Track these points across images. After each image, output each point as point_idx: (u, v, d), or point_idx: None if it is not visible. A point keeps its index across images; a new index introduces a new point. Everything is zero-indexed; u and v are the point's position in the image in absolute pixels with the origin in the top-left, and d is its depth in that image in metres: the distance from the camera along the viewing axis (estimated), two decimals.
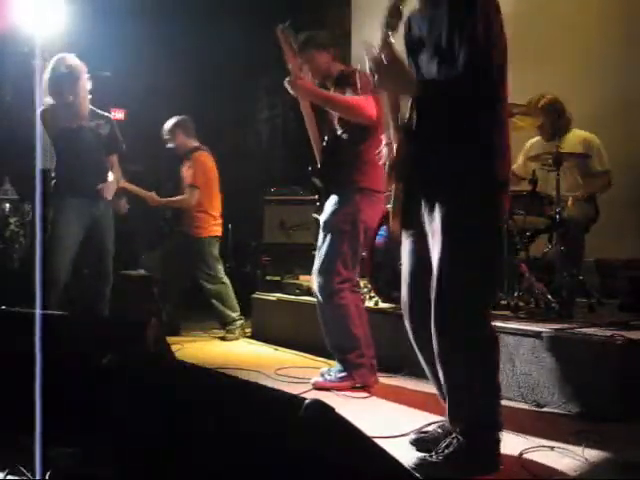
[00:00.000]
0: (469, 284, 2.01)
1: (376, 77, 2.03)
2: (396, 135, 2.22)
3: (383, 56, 1.99)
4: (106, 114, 4.07)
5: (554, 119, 4.13)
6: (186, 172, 4.94)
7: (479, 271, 2.02)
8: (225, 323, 4.93)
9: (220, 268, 5.00)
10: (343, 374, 3.21)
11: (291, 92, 3.22)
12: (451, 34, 1.99)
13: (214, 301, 4.92)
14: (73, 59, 3.88)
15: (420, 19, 2.18)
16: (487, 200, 2.03)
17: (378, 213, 3.39)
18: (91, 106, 3.97)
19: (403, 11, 2.05)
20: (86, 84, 3.88)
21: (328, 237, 3.24)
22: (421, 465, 2.02)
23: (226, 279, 5.00)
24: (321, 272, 3.24)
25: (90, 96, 3.93)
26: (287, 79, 3.20)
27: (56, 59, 3.87)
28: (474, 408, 2.06)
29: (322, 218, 3.33)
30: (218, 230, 5.05)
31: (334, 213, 3.25)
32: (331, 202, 3.30)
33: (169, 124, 4.99)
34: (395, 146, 2.22)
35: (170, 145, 5.00)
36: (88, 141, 3.88)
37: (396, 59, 2.00)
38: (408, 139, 2.14)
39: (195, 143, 5.06)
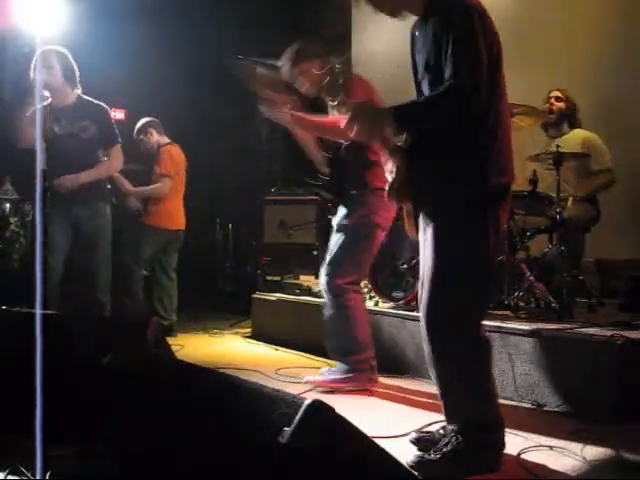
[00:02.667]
0: (455, 290, 2.04)
1: (353, 130, 2.08)
2: (392, 158, 2.20)
3: (347, 110, 2.08)
4: (100, 104, 3.89)
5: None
6: (156, 165, 4.96)
7: (465, 279, 2.03)
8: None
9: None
10: (344, 375, 3.20)
11: (280, 123, 3.18)
12: (437, 50, 2.01)
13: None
14: (51, 53, 3.72)
15: (418, 34, 2.18)
16: (473, 210, 2.03)
17: (392, 213, 3.32)
18: (84, 96, 3.87)
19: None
20: (48, 77, 3.69)
21: (340, 238, 3.23)
22: (419, 463, 2.03)
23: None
24: (329, 273, 3.23)
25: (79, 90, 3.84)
26: (268, 111, 3.14)
27: (42, 52, 3.69)
28: (468, 408, 2.07)
29: (335, 220, 3.32)
30: (181, 224, 5.04)
31: (347, 216, 3.25)
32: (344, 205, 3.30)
33: (141, 124, 5.01)
34: (394, 168, 2.21)
35: (143, 145, 5.00)
36: (67, 147, 3.77)
37: (360, 106, 2.09)
38: (403, 159, 2.15)
39: (167, 140, 5.10)
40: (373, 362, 3.26)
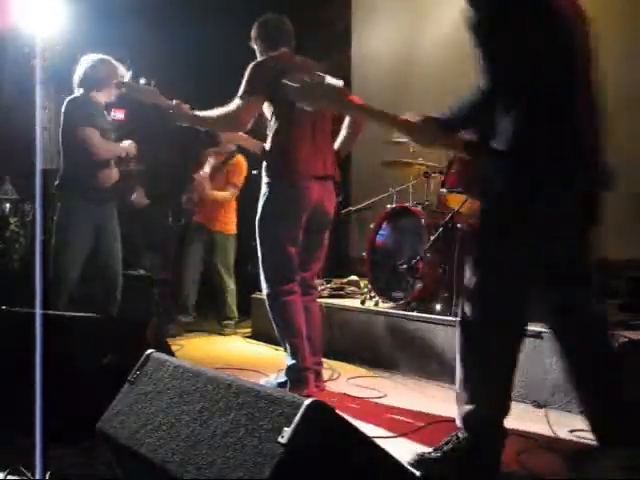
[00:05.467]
0: (486, 290, 1.97)
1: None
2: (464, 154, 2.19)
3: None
4: (114, 119, 4.05)
5: None
6: (232, 171, 5.15)
7: (497, 279, 1.96)
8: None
9: None
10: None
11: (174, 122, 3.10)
12: (477, 43, 1.88)
13: (229, 296, 5.22)
14: (110, 58, 3.93)
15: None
16: (515, 217, 1.93)
17: (298, 203, 3.04)
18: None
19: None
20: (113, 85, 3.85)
21: (257, 237, 3.12)
22: (420, 461, 1.99)
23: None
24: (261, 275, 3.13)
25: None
26: (175, 117, 3.07)
27: (96, 57, 3.90)
28: (485, 408, 2.02)
29: None
30: None
31: (257, 209, 3.12)
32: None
33: None
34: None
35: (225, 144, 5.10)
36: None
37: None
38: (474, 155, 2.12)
39: (233, 146, 5.19)
40: (317, 367, 3.18)
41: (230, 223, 5.24)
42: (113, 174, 3.87)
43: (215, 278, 5.22)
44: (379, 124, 2.27)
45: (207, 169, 5.11)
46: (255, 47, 3.31)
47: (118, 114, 4.22)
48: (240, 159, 5.18)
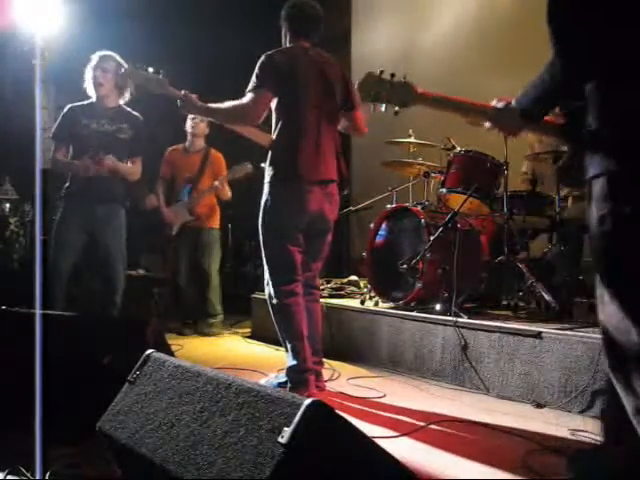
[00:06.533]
0: None
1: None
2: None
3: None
4: (138, 115, 3.98)
5: None
6: (218, 166, 5.09)
7: None
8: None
9: None
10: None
11: (183, 111, 3.07)
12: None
13: (211, 292, 5.11)
14: (103, 53, 3.87)
15: None
16: None
17: (299, 207, 3.01)
18: (123, 105, 3.95)
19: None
20: (102, 78, 3.82)
21: (260, 239, 3.10)
22: None
23: None
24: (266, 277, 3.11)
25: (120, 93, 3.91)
26: (185, 108, 3.02)
27: (103, 55, 3.86)
28: None
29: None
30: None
31: (259, 211, 3.10)
32: None
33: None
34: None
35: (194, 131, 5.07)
36: (101, 145, 3.81)
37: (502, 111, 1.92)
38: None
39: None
40: (316, 367, 3.17)
41: (214, 216, 5.11)
42: (106, 179, 3.82)
43: (198, 275, 5.10)
44: (455, 114, 2.08)
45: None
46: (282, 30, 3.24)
47: None
48: (216, 153, 5.12)
